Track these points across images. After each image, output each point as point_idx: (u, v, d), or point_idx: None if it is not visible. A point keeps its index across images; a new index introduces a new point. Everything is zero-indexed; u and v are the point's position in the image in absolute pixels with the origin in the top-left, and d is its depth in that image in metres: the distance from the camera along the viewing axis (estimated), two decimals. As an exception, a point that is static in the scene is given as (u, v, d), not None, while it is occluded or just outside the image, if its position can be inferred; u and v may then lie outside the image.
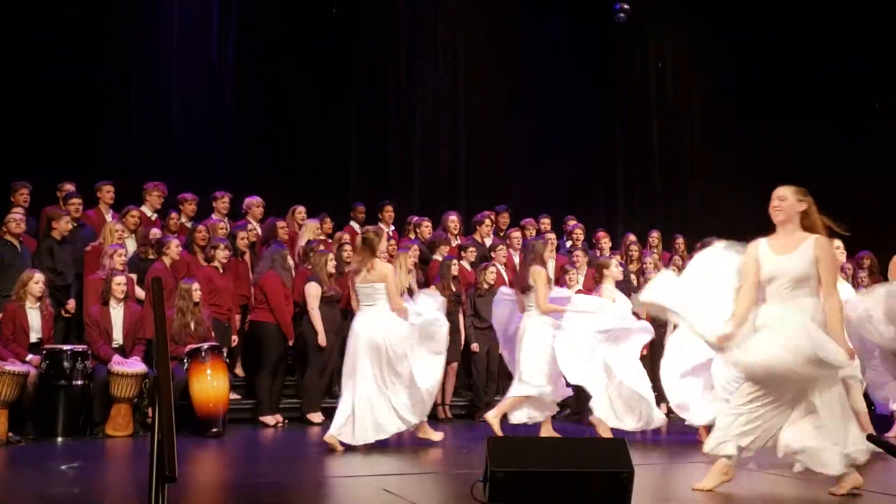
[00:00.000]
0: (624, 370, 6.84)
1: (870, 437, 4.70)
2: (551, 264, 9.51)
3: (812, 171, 12.74)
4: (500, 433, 6.70)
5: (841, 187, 12.07)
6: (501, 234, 9.94)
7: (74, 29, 9.96)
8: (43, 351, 6.78)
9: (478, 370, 8.68)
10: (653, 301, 5.26)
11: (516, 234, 9.65)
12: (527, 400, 6.88)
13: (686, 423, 6.80)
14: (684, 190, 13.54)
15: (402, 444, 6.69)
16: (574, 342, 6.82)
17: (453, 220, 9.70)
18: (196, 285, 7.34)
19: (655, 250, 9.99)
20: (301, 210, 9.44)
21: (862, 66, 12.77)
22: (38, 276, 6.95)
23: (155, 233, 8.15)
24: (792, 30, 12.87)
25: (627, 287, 8.41)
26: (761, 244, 4.67)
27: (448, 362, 8.42)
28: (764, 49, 13.26)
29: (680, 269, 9.78)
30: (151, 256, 7.91)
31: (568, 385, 7.07)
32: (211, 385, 6.99)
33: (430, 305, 6.71)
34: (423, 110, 12.19)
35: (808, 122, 13.07)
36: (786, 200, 4.60)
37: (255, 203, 9.25)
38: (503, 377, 8.12)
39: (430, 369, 6.51)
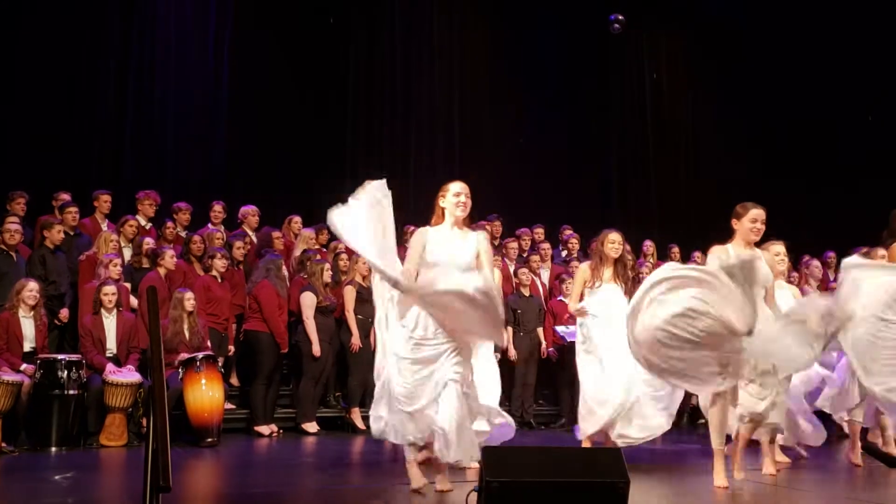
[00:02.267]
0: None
1: (866, 448, 4.72)
2: (546, 273, 9.54)
3: (810, 172, 12.85)
4: None
5: (838, 190, 12.17)
6: (496, 244, 9.93)
7: (69, 34, 9.96)
8: (37, 360, 6.75)
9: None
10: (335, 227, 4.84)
11: (513, 245, 9.65)
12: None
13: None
14: (679, 199, 13.56)
15: (397, 455, 6.66)
16: None
17: (450, 229, 9.67)
18: (189, 294, 7.32)
19: (650, 259, 9.99)
20: (297, 220, 9.44)
21: (856, 75, 12.85)
22: (32, 286, 6.93)
23: (148, 242, 8.13)
24: (789, 33, 12.95)
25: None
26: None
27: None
28: (762, 53, 13.32)
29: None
30: (145, 266, 7.89)
31: None
32: (206, 394, 6.96)
33: None
34: (418, 121, 12.21)
35: (806, 124, 13.14)
36: (470, 198, 5.20)
37: (250, 212, 9.25)
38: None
39: None
